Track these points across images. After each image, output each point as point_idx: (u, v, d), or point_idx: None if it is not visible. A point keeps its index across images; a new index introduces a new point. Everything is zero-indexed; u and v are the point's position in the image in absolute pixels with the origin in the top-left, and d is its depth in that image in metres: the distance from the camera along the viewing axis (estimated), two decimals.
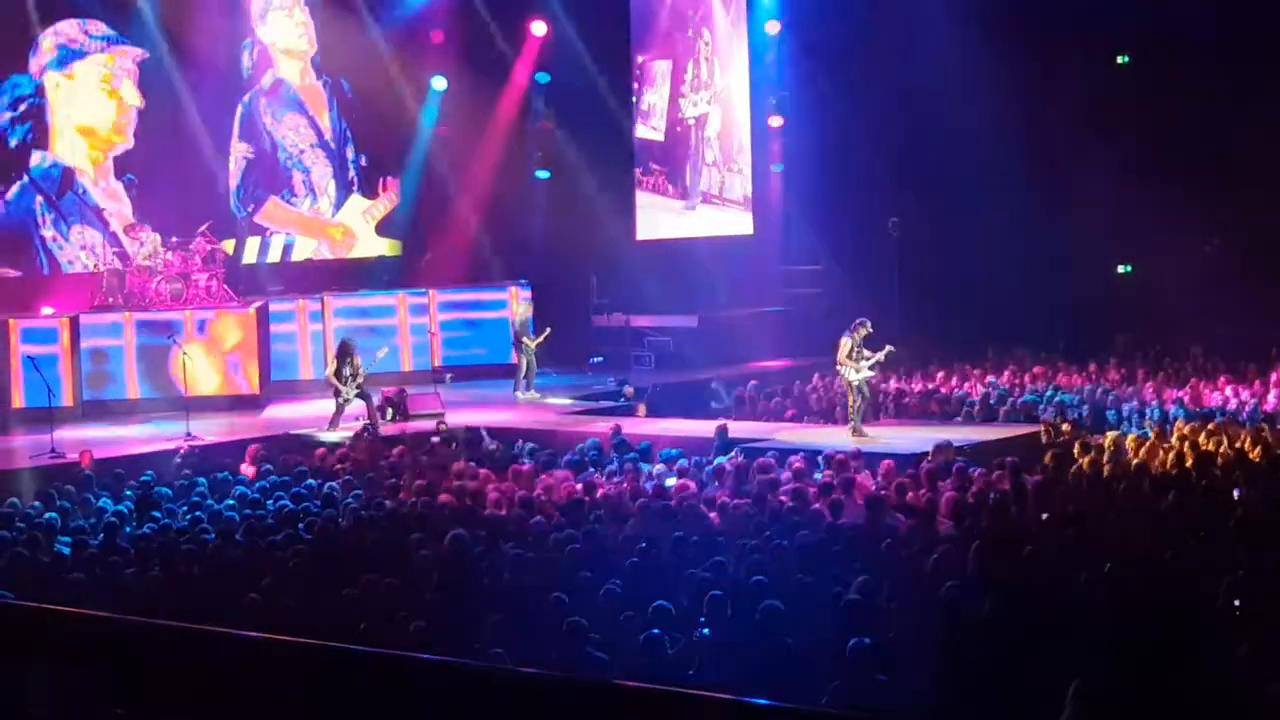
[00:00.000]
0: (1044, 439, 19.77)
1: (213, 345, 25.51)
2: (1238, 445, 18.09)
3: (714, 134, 32.85)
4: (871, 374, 21.35)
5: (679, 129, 32.72)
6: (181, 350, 24.02)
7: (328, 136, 30.74)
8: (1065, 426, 20.42)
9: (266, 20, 30.19)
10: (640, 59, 32.27)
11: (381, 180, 31.10)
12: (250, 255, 29.92)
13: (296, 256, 30.36)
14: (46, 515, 15.47)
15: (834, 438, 20.25)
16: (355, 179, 31.00)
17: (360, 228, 30.88)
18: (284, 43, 30.36)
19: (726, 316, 30.52)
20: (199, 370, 24.82)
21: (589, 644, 10.54)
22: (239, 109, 30.05)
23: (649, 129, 32.52)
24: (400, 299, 28.66)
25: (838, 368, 21.29)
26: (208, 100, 29.08)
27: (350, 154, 30.98)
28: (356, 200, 30.95)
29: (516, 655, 10.01)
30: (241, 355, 25.61)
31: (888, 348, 21.22)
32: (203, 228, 26.83)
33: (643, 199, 32.41)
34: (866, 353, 20.94)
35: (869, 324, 21.19)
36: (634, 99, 32.12)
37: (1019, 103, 29.47)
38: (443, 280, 29.53)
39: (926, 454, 17.86)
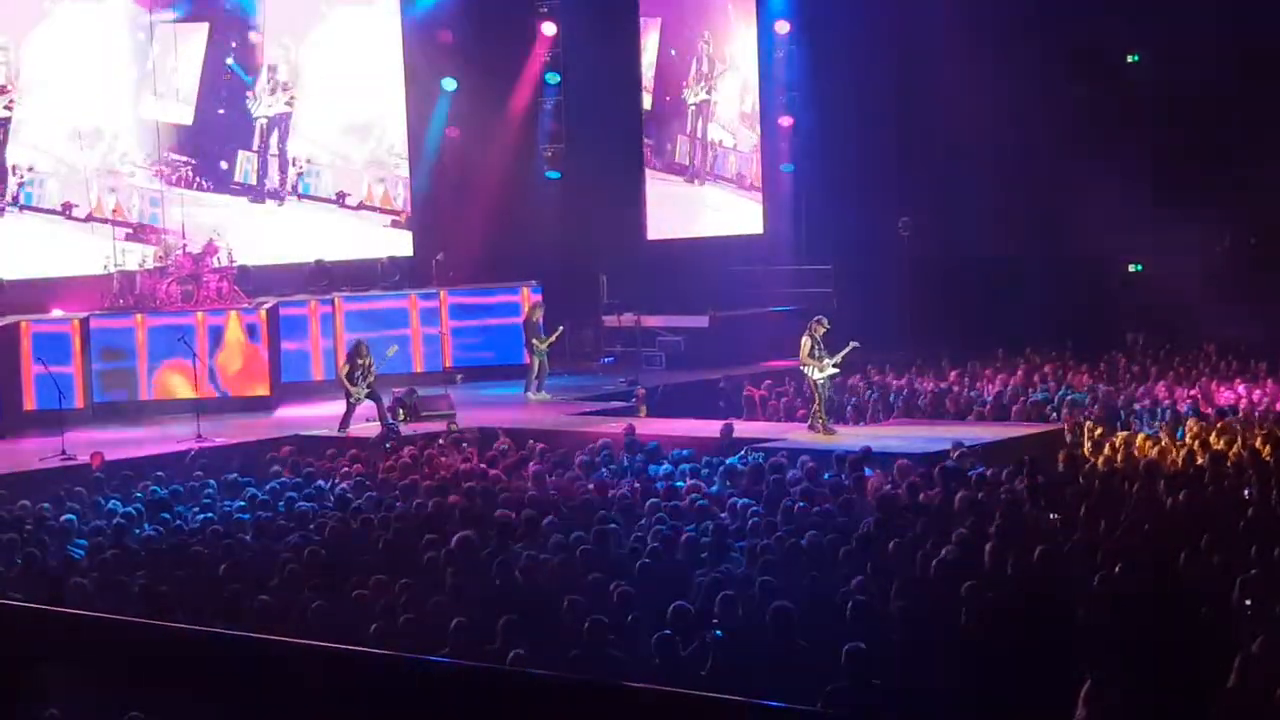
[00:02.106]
0: (1069, 437, 19.79)
1: (224, 347, 25.53)
2: (1249, 444, 18.07)
3: (716, 120, 33.20)
4: (835, 372, 21.43)
5: (680, 110, 33.07)
6: (192, 352, 24.04)
7: None
8: (1089, 425, 20.41)
9: None
10: (645, 20, 32.53)
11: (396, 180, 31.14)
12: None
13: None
14: (64, 518, 15.47)
15: (844, 437, 20.25)
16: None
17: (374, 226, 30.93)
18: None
19: (737, 316, 30.49)
20: (209, 372, 24.86)
21: (601, 645, 10.54)
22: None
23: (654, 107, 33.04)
24: (411, 300, 28.65)
25: (801, 368, 21.40)
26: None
27: None
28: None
29: (528, 656, 10.01)
30: (252, 357, 25.62)
31: (851, 344, 21.35)
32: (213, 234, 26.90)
33: (651, 177, 32.73)
34: (828, 354, 21.05)
35: (826, 321, 21.34)
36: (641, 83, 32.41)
37: (1030, 101, 29.46)
38: (454, 281, 29.52)
39: (937, 453, 17.83)
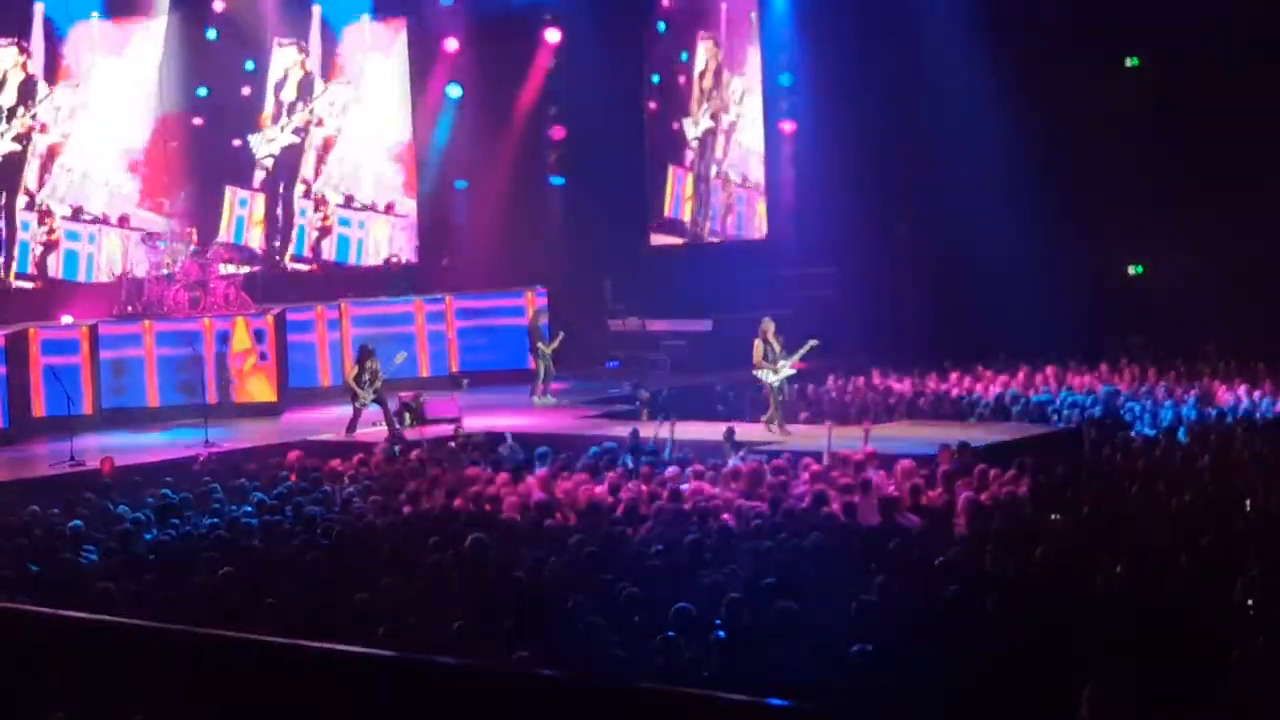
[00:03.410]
0: (1089, 436, 19.87)
1: (231, 353, 25.59)
2: (1250, 445, 18.10)
3: (729, 158, 32.96)
4: (791, 373, 21.68)
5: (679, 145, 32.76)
6: (200, 358, 24.11)
7: None
8: (1090, 426, 20.46)
9: None
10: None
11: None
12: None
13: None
14: (71, 524, 15.54)
15: (849, 441, 20.25)
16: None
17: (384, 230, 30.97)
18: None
19: (741, 319, 30.44)
20: (218, 378, 24.92)
21: (606, 646, 10.60)
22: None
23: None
24: (417, 305, 28.70)
25: (754, 372, 21.62)
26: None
27: None
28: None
29: (534, 657, 10.07)
30: (260, 362, 25.69)
31: (811, 342, 21.56)
32: (220, 237, 26.99)
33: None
34: (783, 353, 21.37)
35: (772, 322, 21.72)
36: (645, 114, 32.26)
37: (1030, 105, 29.44)
38: (460, 286, 29.58)
39: (935, 456, 17.85)
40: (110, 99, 28.01)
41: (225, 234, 28.72)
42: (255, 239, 29.07)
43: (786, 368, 21.51)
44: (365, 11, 30.52)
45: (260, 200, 29.56)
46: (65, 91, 27.53)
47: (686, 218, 32.87)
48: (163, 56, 28.27)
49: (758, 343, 21.51)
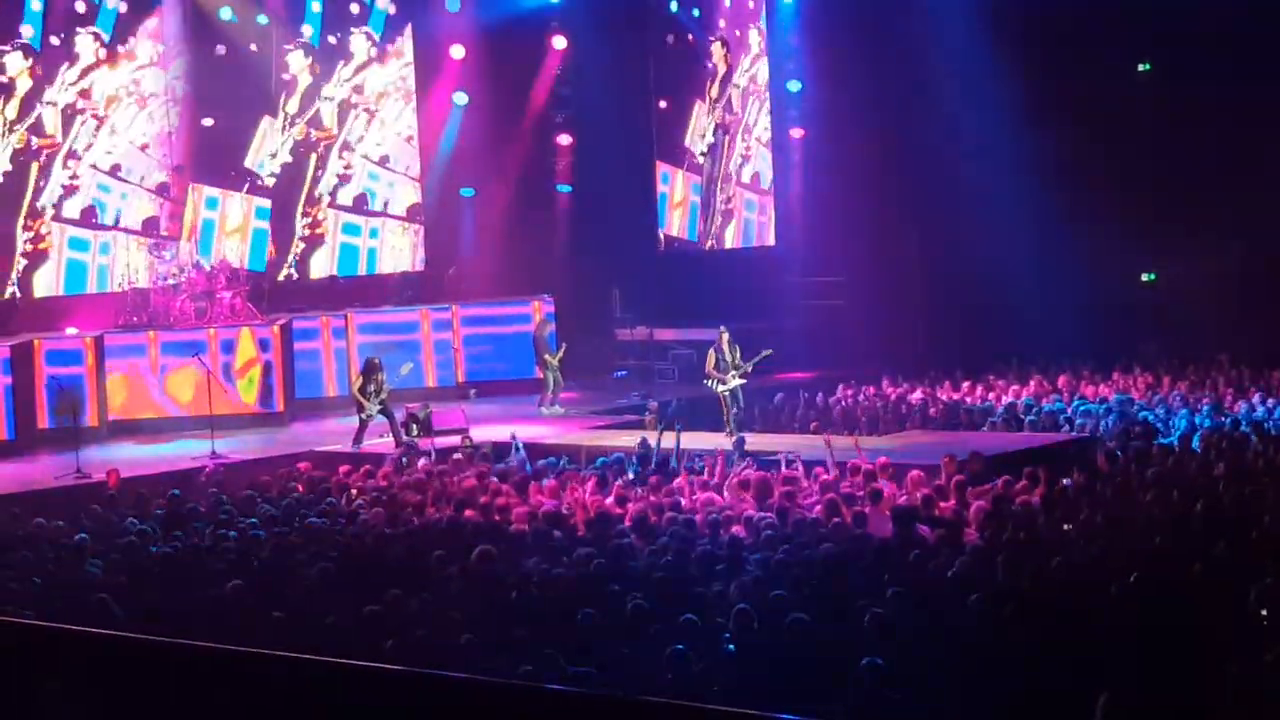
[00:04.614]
0: (1102, 444, 19.78)
1: (237, 363, 25.55)
2: (1264, 453, 18.00)
3: (727, 160, 32.87)
4: (741, 382, 22.07)
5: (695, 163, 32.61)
6: (206, 368, 24.06)
7: None
8: (1101, 434, 20.38)
9: None
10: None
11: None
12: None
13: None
14: (77, 536, 15.48)
15: (849, 453, 20.15)
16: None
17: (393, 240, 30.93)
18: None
19: (750, 329, 30.38)
20: (223, 388, 24.86)
21: (615, 659, 10.52)
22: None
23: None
24: (423, 314, 28.63)
25: (704, 381, 21.75)
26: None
27: None
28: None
29: (542, 670, 10.00)
30: (266, 373, 25.64)
31: (765, 352, 21.94)
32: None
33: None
34: (738, 361, 21.84)
35: (728, 332, 22.18)
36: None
37: (1041, 111, 29.36)
38: (466, 295, 29.52)
39: (950, 464, 17.73)
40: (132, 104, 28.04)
41: (187, 242, 28.17)
42: (231, 250, 28.52)
43: (735, 378, 21.71)
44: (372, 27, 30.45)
45: (237, 202, 29.30)
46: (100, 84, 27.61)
47: (674, 231, 32.61)
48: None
49: (711, 352, 21.74)
